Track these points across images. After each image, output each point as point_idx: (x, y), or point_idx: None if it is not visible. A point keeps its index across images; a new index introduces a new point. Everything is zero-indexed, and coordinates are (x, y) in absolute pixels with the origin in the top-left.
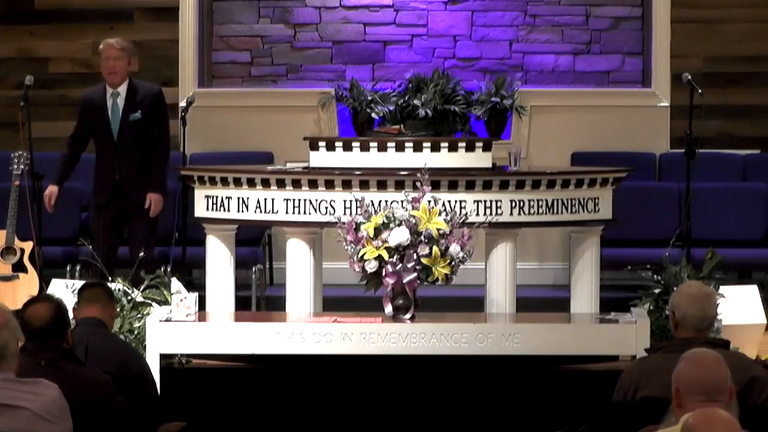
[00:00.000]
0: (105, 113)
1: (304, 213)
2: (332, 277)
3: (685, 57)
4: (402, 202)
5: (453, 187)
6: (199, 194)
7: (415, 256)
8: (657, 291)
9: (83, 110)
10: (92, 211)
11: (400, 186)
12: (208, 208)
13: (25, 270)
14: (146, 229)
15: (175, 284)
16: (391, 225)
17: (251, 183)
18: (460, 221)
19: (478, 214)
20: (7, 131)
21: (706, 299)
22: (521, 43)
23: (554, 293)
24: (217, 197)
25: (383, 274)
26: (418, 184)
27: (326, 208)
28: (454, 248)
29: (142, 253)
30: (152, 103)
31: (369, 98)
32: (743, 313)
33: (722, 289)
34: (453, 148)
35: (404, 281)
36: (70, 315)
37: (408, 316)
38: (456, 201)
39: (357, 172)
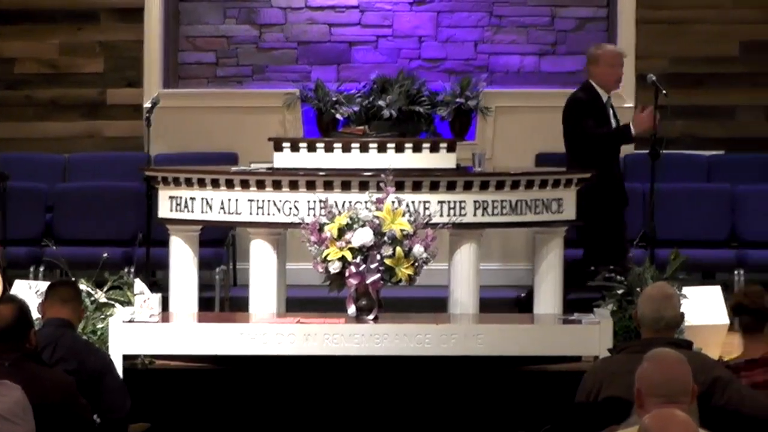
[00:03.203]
0: None
1: (268, 214)
2: (296, 278)
3: (649, 58)
4: (366, 203)
5: (417, 188)
6: (163, 195)
7: (378, 257)
8: (620, 292)
9: None
10: None
11: (364, 187)
12: (171, 209)
13: None
14: None
15: (139, 285)
16: (355, 226)
17: (215, 184)
18: (424, 222)
19: (441, 215)
20: None
21: (664, 300)
22: (486, 44)
23: (518, 294)
24: (181, 198)
25: (347, 274)
26: (382, 185)
27: (290, 209)
28: (418, 249)
29: None
30: None
31: (334, 99)
32: (706, 314)
33: (686, 289)
34: (417, 148)
35: (368, 282)
36: (35, 315)
37: (371, 316)
38: (420, 202)
39: (321, 173)
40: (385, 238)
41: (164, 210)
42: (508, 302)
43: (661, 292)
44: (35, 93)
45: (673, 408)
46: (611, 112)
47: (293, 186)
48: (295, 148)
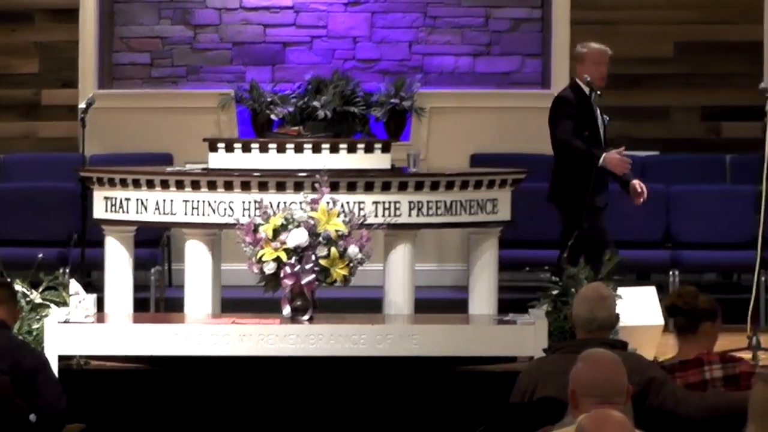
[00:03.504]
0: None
1: (203, 214)
2: (231, 279)
3: None
4: (301, 203)
5: (352, 188)
6: (98, 195)
7: (313, 258)
8: (555, 292)
9: None
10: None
11: (299, 187)
12: (107, 210)
13: None
14: None
15: (74, 286)
16: (290, 226)
17: (150, 184)
18: (359, 223)
19: (376, 216)
20: None
21: (598, 302)
22: (421, 45)
23: (453, 294)
24: (116, 199)
25: (282, 275)
26: (317, 185)
27: (225, 209)
28: (353, 249)
29: None
30: None
31: (268, 99)
32: (641, 315)
33: (621, 290)
34: (352, 149)
35: (302, 282)
36: None
37: (306, 317)
38: (355, 202)
39: (256, 174)
40: (320, 239)
41: (99, 210)
42: (443, 303)
43: (596, 293)
44: None
45: (608, 408)
46: (598, 109)
47: (228, 186)
48: (229, 148)
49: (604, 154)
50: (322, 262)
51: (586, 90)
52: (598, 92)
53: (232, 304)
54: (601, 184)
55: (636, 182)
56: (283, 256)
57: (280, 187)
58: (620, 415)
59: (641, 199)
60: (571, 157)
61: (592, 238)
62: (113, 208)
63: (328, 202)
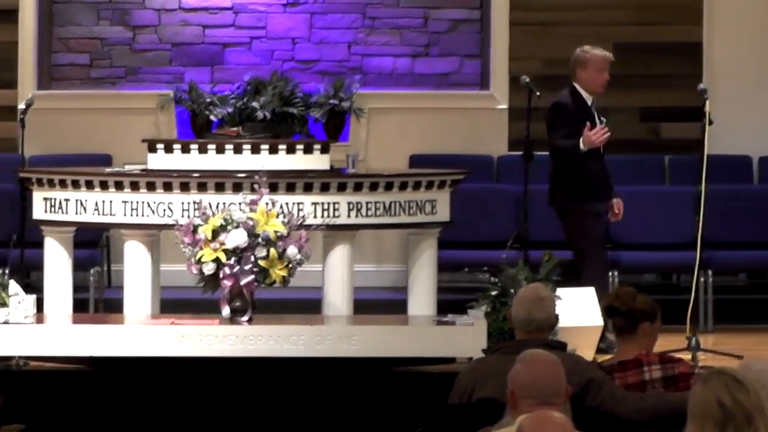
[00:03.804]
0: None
1: (142, 215)
2: (170, 280)
3: (523, 59)
4: (240, 204)
5: (291, 189)
6: (38, 196)
7: (252, 259)
8: (494, 293)
9: None
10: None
11: (237, 188)
12: (46, 210)
13: None
14: None
15: (13, 286)
16: (229, 227)
17: (89, 185)
18: (298, 223)
19: (315, 217)
20: None
21: (536, 303)
22: (360, 46)
23: (392, 295)
24: (55, 199)
25: (221, 276)
26: (255, 186)
27: (164, 210)
28: (292, 250)
29: None
30: None
31: (207, 100)
32: (580, 315)
33: (560, 291)
34: (291, 150)
35: (242, 283)
36: None
37: (245, 318)
38: (294, 203)
39: (195, 175)
40: (259, 240)
41: (38, 211)
42: (383, 303)
43: (534, 295)
44: None
45: (548, 409)
46: (596, 114)
47: (167, 187)
48: (169, 149)
49: (581, 138)
50: (261, 263)
51: (584, 94)
52: (538, 94)
53: (172, 304)
54: (599, 191)
55: (615, 202)
56: (222, 257)
57: (219, 188)
58: (561, 416)
59: (614, 219)
60: (565, 159)
61: (582, 244)
62: (52, 208)
63: (267, 203)
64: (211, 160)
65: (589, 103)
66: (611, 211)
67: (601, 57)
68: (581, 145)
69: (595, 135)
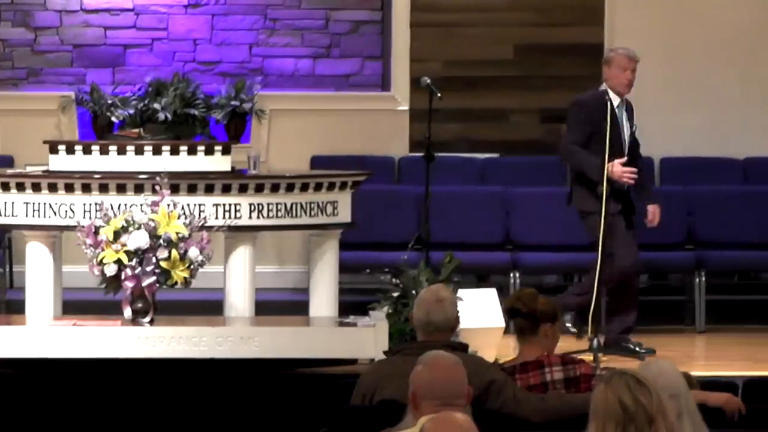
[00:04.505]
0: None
1: (44, 216)
2: (72, 281)
3: (424, 61)
4: (141, 205)
5: (192, 190)
6: None
7: (154, 260)
8: (395, 294)
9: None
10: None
11: (139, 189)
12: None
13: None
14: None
15: None
16: (131, 228)
17: None
18: (199, 225)
19: (217, 218)
20: None
21: (435, 304)
22: (261, 47)
23: (294, 296)
24: None
25: (122, 277)
26: (157, 187)
27: (66, 211)
28: (193, 252)
29: None
30: None
31: (109, 102)
32: (482, 317)
33: (461, 292)
34: (192, 151)
35: (143, 285)
36: None
37: (147, 319)
38: (195, 204)
39: (96, 176)
40: (161, 241)
41: None
42: (284, 305)
43: (434, 296)
44: None
45: (451, 411)
46: (625, 115)
47: (69, 189)
48: (70, 150)
49: (608, 166)
50: (163, 264)
51: (611, 94)
52: (439, 95)
53: (74, 306)
54: (614, 191)
55: (651, 208)
56: (124, 258)
57: (121, 189)
58: (464, 417)
59: (649, 225)
60: (572, 161)
61: (606, 243)
62: None
63: (168, 205)
64: (112, 162)
65: (616, 104)
66: (646, 218)
67: (624, 56)
68: (603, 171)
69: (622, 172)
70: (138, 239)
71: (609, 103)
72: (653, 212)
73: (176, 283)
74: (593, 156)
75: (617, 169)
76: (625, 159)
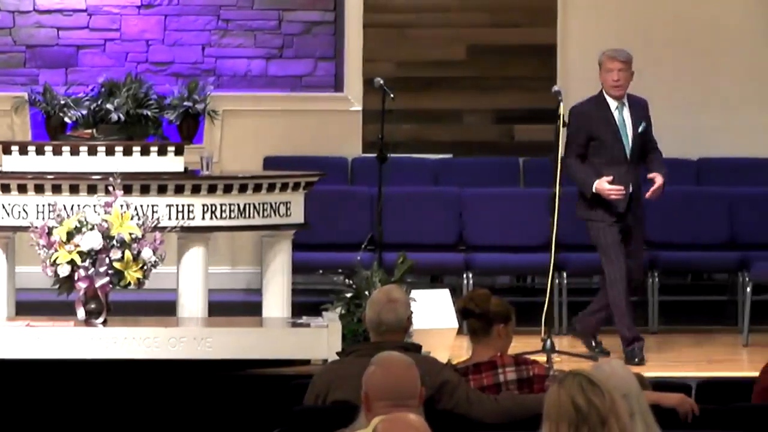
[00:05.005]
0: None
1: None
2: (25, 281)
3: (377, 62)
4: (94, 206)
5: (145, 191)
6: None
7: (107, 261)
8: (348, 295)
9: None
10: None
11: (92, 190)
12: None
13: None
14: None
15: None
16: (84, 229)
17: None
18: (152, 225)
19: (170, 218)
20: None
21: (386, 305)
22: (214, 48)
23: (247, 297)
24: None
25: (76, 278)
26: (110, 188)
27: (19, 212)
28: (146, 252)
29: None
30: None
31: (62, 102)
32: (435, 317)
33: (414, 293)
34: (145, 152)
35: (96, 285)
36: None
37: (100, 320)
38: (148, 205)
39: (49, 176)
40: (114, 242)
41: None
42: (237, 305)
43: (386, 297)
44: None
45: (404, 411)
46: (627, 116)
47: (22, 189)
48: (23, 151)
49: (595, 184)
50: (116, 264)
51: (607, 97)
52: (392, 96)
53: (27, 306)
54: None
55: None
56: (77, 259)
57: (74, 190)
58: (416, 418)
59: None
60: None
61: (599, 252)
62: None
63: (121, 205)
64: (65, 162)
65: (614, 106)
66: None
67: (606, 57)
68: (592, 189)
69: (608, 191)
70: (91, 240)
71: (605, 107)
72: (656, 180)
73: (129, 283)
74: (588, 168)
75: (601, 187)
76: (611, 178)
